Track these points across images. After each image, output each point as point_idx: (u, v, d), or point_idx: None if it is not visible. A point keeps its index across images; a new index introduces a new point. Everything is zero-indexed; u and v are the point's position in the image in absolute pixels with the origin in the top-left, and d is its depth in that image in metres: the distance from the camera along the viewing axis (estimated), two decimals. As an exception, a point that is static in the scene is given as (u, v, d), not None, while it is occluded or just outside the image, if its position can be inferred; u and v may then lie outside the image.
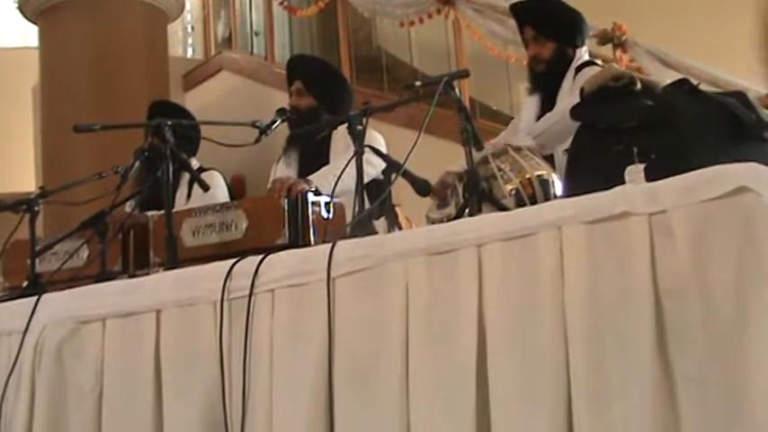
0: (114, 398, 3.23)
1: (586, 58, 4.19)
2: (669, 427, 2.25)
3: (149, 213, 3.98)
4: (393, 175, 3.66)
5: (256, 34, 9.61)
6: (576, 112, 3.42)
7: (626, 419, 2.28)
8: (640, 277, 2.31)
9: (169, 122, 3.63)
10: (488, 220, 2.68)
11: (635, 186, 2.49)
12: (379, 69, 8.30)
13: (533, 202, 3.10)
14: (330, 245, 2.88)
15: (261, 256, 3.03)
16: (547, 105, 4.11)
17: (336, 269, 2.83)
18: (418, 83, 3.40)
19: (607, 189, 2.48)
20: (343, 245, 2.87)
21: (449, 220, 3.11)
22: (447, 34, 7.68)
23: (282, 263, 2.99)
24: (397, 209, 4.29)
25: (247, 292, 2.98)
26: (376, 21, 8.54)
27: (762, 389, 2.14)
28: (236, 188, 7.76)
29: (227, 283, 3.03)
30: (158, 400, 3.13)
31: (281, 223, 3.26)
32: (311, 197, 3.31)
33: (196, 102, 8.95)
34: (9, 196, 4.11)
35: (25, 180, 8.58)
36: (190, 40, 10.52)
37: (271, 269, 2.99)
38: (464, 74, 3.60)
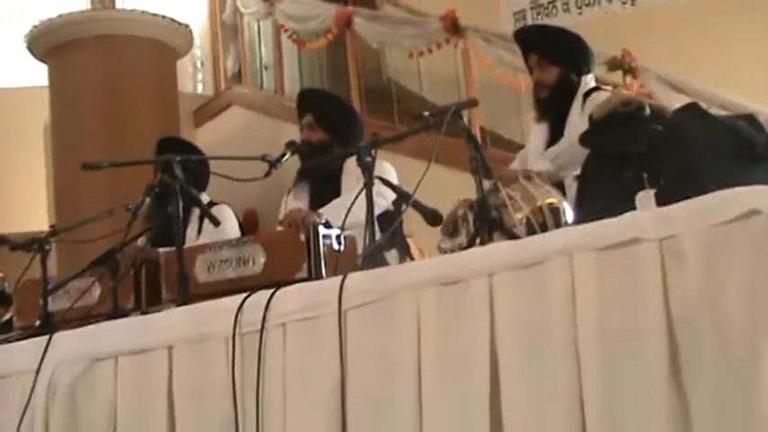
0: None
1: (593, 84, 4.18)
2: (684, 454, 2.23)
3: (160, 250, 3.97)
4: (403, 206, 3.65)
5: (266, 68, 9.63)
6: (585, 138, 3.41)
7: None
8: (652, 304, 2.29)
9: (178, 158, 3.63)
10: (499, 249, 2.67)
11: (645, 212, 2.48)
12: (390, 101, 8.29)
13: (544, 230, 3.08)
14: (341, 277, 2.87)
15: (271, 291, 3.01)
16: (555, 133, 4.10)
17: (347, 301, 2.81)
18: (426, 113, 3.40)
19: (618, 215, 2.46)
20: (353, 277, 2.86)
21: (460, 250, 3.10)
22: (456, 64, 7.68)
23: (293, 296, 2.98)
24: (410, 240, 4.27)
25: (259, 326, 2.97)
26: (385, 52, 8.55)
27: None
28: (249, 223, 7.77)
29: (239, 317, 3.02)
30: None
31: (300, 257, 3.25)
32: (322, 230, 3.30)
33: (207, 137, 8.95)
34: (22, 236, 4.11)
35: (37, 219, 8.59)
36: (200, 76, 10.54)
37: (282, 303, 2.98)
38: (472, 103, 3.61)
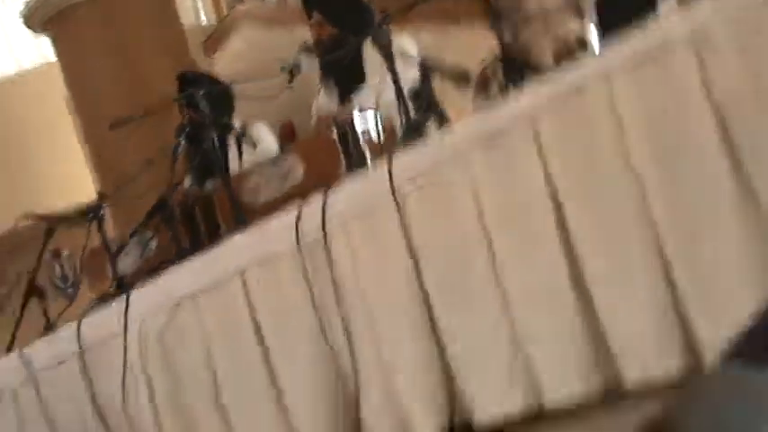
0: (226, 370, 3.24)
1: None
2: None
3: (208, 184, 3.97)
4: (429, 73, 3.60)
5: (263, -21, 9.50)
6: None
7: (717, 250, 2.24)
8: (697, 102, 2.26)
9: (201, 92, 3.60)
10: (537, 92, 2.62)
11: (670, 13, 2.43)
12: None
13: (573, 59, 3.02)
14: (386, 163, 2.84)
15: (323, 195, 2.99)
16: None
17: (399, 184, 2.79)
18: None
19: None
20: (399, 158, 2.84)
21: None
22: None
23: (346, 194, 2.96)
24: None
25: (321, 233, 2.95)
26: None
27: None
28: (288, 134, 7.74)
29: (300, 227, 3.01)
30: (266, 359, 3.13)
31: (336, 156, 3.23)
32: (357, 121, 3.27)
33: (224, 63, 8.89)
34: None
35: (86, 190, 8.63)
36: (200, 4, 10.43)
37: (336, 204, 2.96)
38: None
